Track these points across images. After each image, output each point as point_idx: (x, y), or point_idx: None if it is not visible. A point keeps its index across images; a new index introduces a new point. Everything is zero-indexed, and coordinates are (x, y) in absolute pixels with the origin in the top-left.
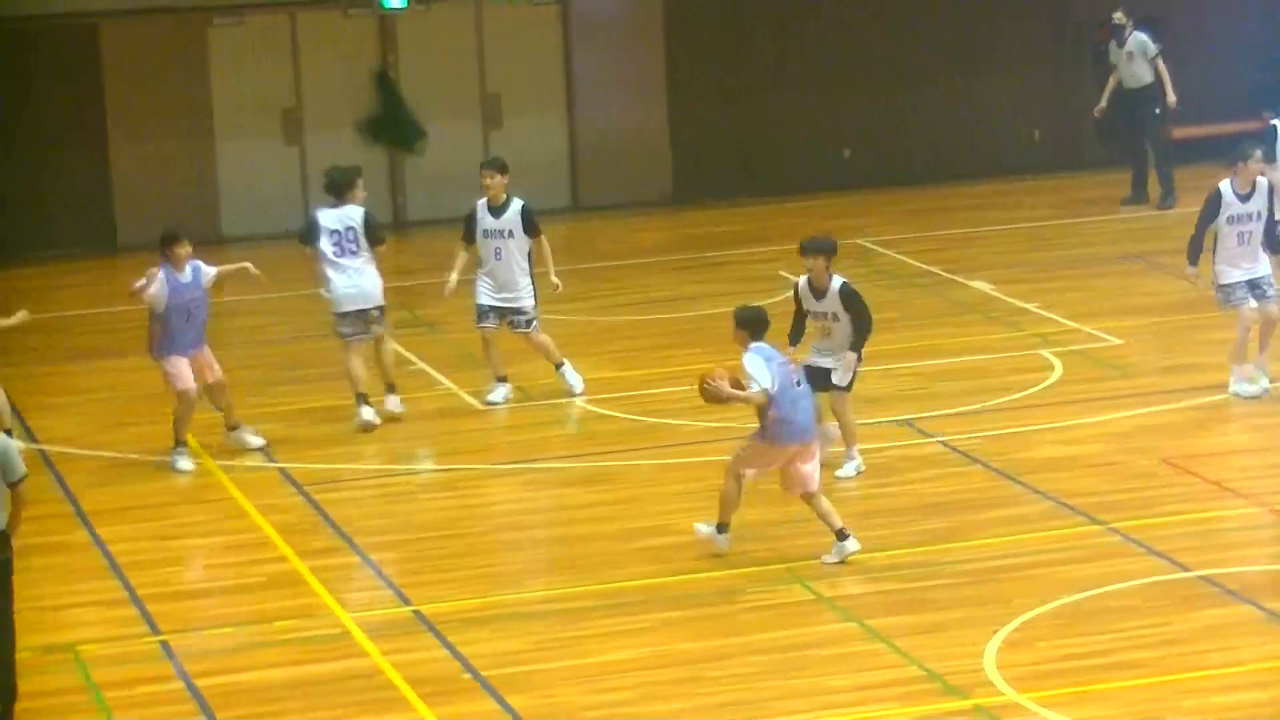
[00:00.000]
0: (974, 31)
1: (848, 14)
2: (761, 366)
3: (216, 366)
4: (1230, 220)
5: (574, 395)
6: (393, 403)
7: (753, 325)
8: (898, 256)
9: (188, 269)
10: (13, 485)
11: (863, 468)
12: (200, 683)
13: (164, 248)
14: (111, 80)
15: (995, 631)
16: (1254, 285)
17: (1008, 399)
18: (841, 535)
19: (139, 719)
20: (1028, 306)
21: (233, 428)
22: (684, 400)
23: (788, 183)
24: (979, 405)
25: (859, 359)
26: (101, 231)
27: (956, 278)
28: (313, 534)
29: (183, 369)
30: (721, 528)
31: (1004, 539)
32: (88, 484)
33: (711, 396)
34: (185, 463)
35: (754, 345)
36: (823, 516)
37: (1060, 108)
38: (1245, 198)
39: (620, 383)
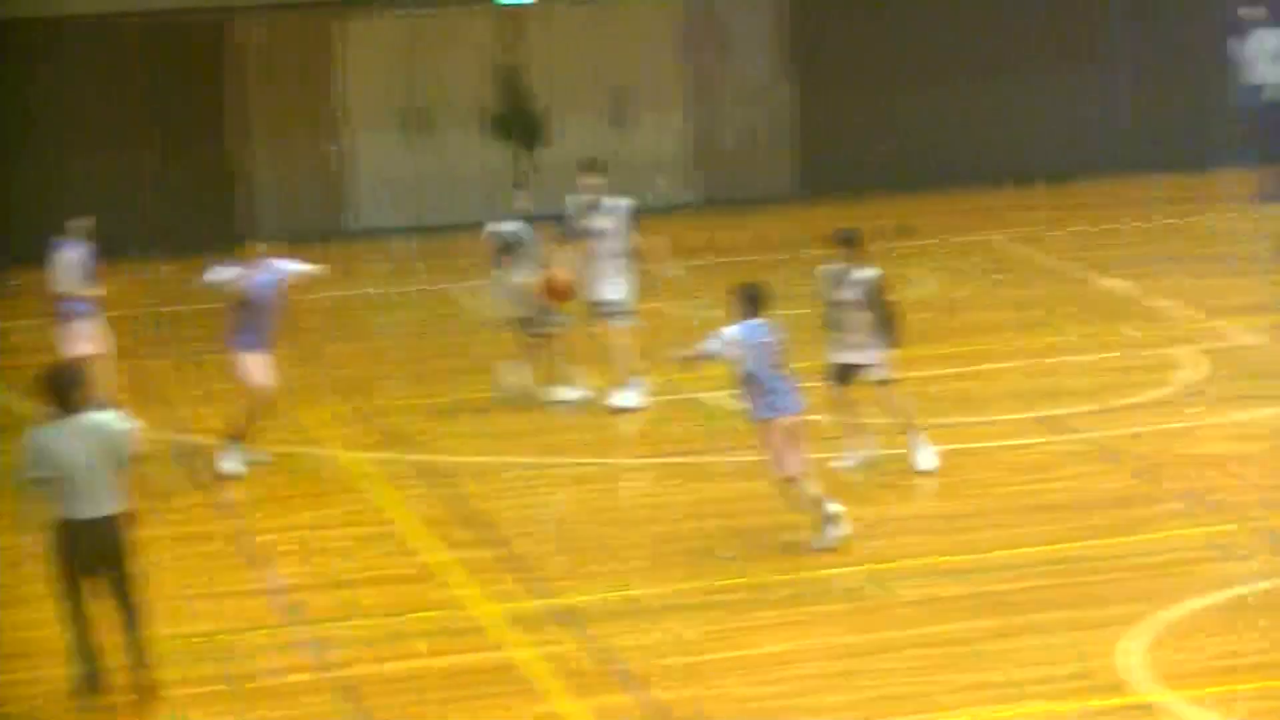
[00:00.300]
0: (1109, 27)
1: (980, 7)
2: (732, 337)
3: (273, 376)
4: None
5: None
6: (558, 392)
7: (747, 302)
8: (1036, 253)
9: (266, 266)
10: (126, 468)
11: (933, 449)
12: (343, 673)
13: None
14: (240, 76)
15: (1149, 628)
16: None
17: (1150, 396)
18: (829, 519)
19: (281, 709)
20: (1168, 304)
21: (237, 439)
22: (819, 395)
23: (915, 178)
24: (1121, 402)
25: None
26: (228, 226)
27: (1096, 274)
28: (457, 526)
29: (259, 367)
30: (828, 520)
31: (1153, 535)
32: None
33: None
34: (235, 464)
35: (744, 322)
36: (809, 505)
37: (1197, 104)
38: None
39: None
